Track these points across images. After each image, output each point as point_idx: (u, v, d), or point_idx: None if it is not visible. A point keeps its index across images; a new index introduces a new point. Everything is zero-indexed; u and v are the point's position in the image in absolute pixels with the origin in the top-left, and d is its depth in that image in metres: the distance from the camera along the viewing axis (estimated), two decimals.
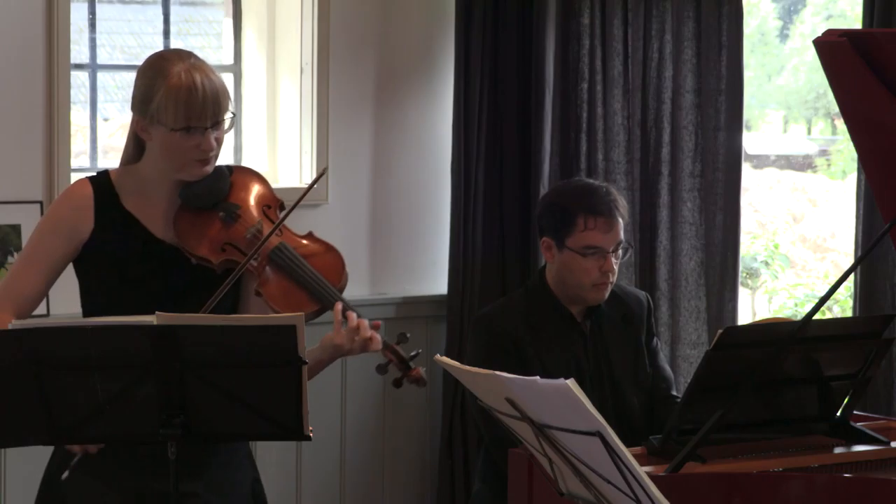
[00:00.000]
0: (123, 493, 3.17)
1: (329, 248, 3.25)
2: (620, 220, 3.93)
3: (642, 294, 4.15)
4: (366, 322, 3.14)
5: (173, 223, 3.17)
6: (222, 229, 3.18)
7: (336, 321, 3.13)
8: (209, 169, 3.17)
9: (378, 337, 3.14)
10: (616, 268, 3.94)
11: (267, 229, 3.17)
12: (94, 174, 3.26)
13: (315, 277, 3.16)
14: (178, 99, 3.08)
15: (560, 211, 3.93)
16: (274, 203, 3.27)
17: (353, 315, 3.13)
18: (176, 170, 3.16)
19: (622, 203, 3.95)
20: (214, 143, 3.13)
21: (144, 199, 3.21)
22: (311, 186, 3.22)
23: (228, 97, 3.17)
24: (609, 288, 3.94)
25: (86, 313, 3.24)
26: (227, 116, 3.15)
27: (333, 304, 3.13)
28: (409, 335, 3.23)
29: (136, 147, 3.23)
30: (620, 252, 3.94)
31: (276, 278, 3.17)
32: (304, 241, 3.25)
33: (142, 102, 3.14)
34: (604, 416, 3.85)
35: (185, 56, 3.16)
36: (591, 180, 4.07)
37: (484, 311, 4.16)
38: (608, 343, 4.00)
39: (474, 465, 5.10)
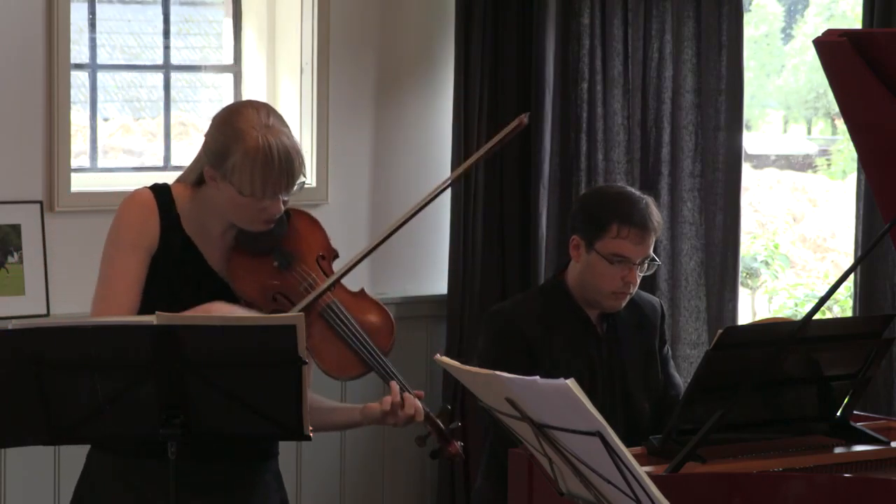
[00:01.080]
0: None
1: (381, 310, 3.24)
2: (653, 234, 3.90)
3: (656, 300, 4.14)
4: (412, 399, 3.18)
5: (227, 261, 3.14)
6: (275, 277, 3.15)
7: (394, 402, 3.17)
8: (272, 226, 3.12)
9: (422, 409, 3.19)
10: (639, 280, 3.93)
11: (319, 282, 3.15)
12: (155, 185, 3.17)
13: (364, 341, 3.16)
14: (255, 168, 3.02)
15: (595, 213, 3.90)
16: (329, 254, 3.23)
17: (397, 390, 3.18)
18: (236, 220, 3.11)
19: (658, 218, 3.92)
20: (282, 209, 3.10)
21: (202, 226, 3.16)
22: (506, 135, 3.27)
23: (302, 161, 3.09)
24: (627, 298, 3.92)
25: None
26: (298, 182, 3.10)
27: (387, 379, 3.17)
28: (450, 407, 3.27)
29: (200, 175, 3.15)
30: (647, 266, 3.93)
31: (325, 336, 3.15)
32: (356, 300, 3.22)
33: (216, 157, 3.07)
34: (613, 420, 3.90)
35: (262, 112, 3.08)
36: (634, 190, 4.05)
37: (498, 306, 4.15)
38: (622, 347, 3.98)
39: (475, 464, 5.10)
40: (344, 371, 3.16)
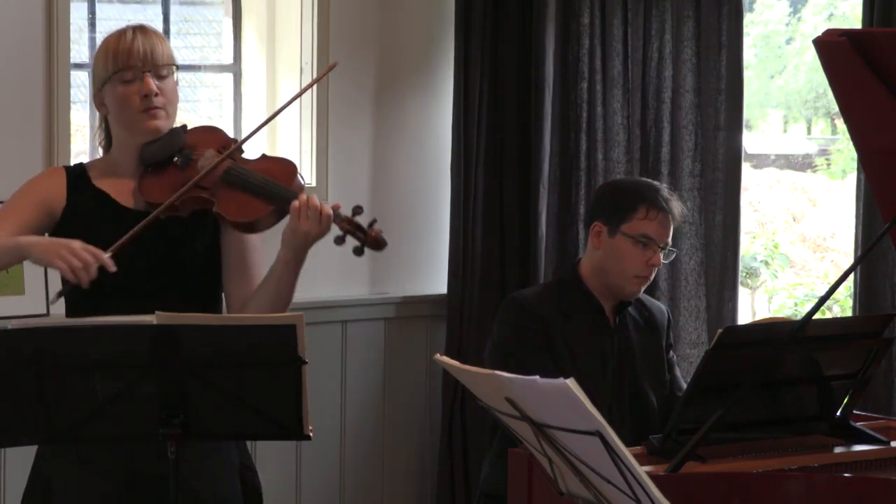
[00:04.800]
0: (109, 477, 3.19)
1: (281, 160, 3.34)
2: (675, 221, 3.99)
3: (664, 307, 4.22)
4: (314, 199, 3.20)
5: (139, 187, 3.25)
6: (180, 173, 3.25)
7: (292, 211, 3.18)
8: (160, 123, 3.25)
9: (326, 207, 3.18)
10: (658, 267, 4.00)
11: (224, 163, 3.26)
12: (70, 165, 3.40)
13: (267, 182, 3.23)
14: (108, 48, 3.23)
15: (622, 198, 3.99)
16: (229, 143, 3.33)
17: (301, 198, 3.20)
18: (129, 127, 3.25)
19: (681, 209, 4.02)
20: (155, 89, 3.21)
21: (115, 177, 3.29)
22: (317, 80, 3.35)
23: (166, 49, 3.26)
24: (646, 284, 4.01)
25: (67, 300, 3.25)
26: (169, 66, 3.25)
27: (290, 202, 3.18)
28: (362, 207, 3.27)
29: (106, 141, 3.35)
30: (666, 253, 3.98)
31: (231, 195, 3.22)
32: (256, 161, 3.32)
33: (94, 77, 3.28)
34: (621, 411, 3.91)
35: (125, 26, 3.30)
36: (654, 181, 4.23)
37: (516, 293, 4.19)
38: (632, 340, 4.03)
39: (475, 464, 5.10)
40: (249, 213, 3.20)
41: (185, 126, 3.34)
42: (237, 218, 3.20)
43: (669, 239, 3.98)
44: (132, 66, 3.20)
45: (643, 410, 3.99)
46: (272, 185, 3.22)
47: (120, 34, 3.24)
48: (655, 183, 4.13)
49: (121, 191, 3.28)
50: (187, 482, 3.10)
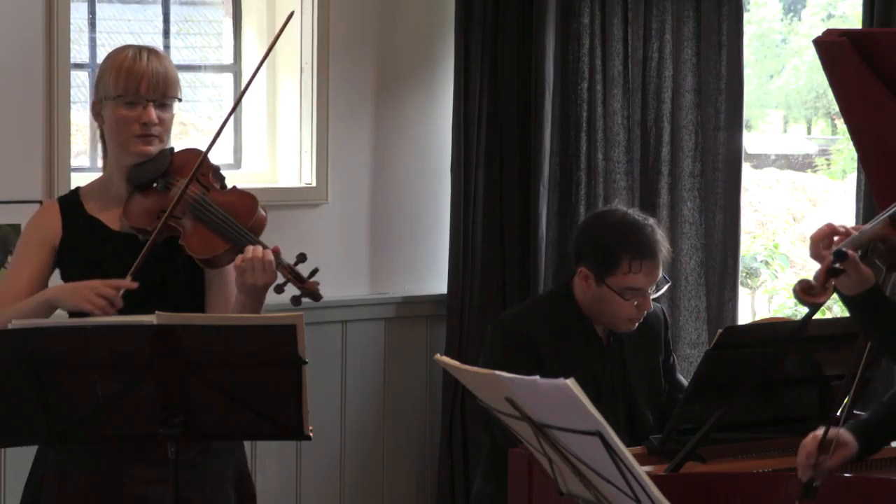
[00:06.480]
0: (91, 478, 3.21)
1: (245, 195, 3.38)
2: (662, 261, 3.87)
3: (659, 308, 4.10)
4: (259, 249, 3.24)
5: (124, 211, 3.31)
6: (158, 199, 3.31)
7: (236, 266, 3.23)
8: (152, 150, 3.31)
9: (269, 254, 3.22)
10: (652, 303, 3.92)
11: (195, 190, 3.31)
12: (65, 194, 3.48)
13: (226, 220, 3.28)
14: (121, 68, 3.26)
15: (604, 249, 3.85)
16: (208, 170, 3.39)
17: (250, 248, 3.25)
18: (121, 147, 3.30)
19: (665, 244, 3.89)
20: (155, 119, 3.27)
21: (105, 201, 3.35)
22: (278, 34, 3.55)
23: (176, 82, 3.32)
24: (639, 321, 3.92)
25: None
26: (173, 99, 3.31)
27: (245, 246, 3.24)
28: (307, 255, 3.33)
29: (104, 152, 3.40)
30: (656, 287, 3.90)
31: (195, 228, 3.30)
32: (223, 193, 3.38)
33: (95, 84, 3.33)
34: (617, 429, 3.88)
35: (139, 46, 3.34)
36: (637, 216, 3.95)
37: (507, 314, 4.12)
38: (626, 358, 3.97)
39: (474, 464, 5.10)
40: (208, 250, 3.27)
41: (172, 149, 3.39)
42: (198, 254, 3.28)
43: (658, 277, 3.88)
44: (139, 94, 3.26)
45: (640, 427, 3.94)
46: (231, 224, 3.29)
47: (135, 56, 3.28)
48: (639, 221, 3.91)
49: (110, 215, 3.35)
50: (180, 489, 3.12)
